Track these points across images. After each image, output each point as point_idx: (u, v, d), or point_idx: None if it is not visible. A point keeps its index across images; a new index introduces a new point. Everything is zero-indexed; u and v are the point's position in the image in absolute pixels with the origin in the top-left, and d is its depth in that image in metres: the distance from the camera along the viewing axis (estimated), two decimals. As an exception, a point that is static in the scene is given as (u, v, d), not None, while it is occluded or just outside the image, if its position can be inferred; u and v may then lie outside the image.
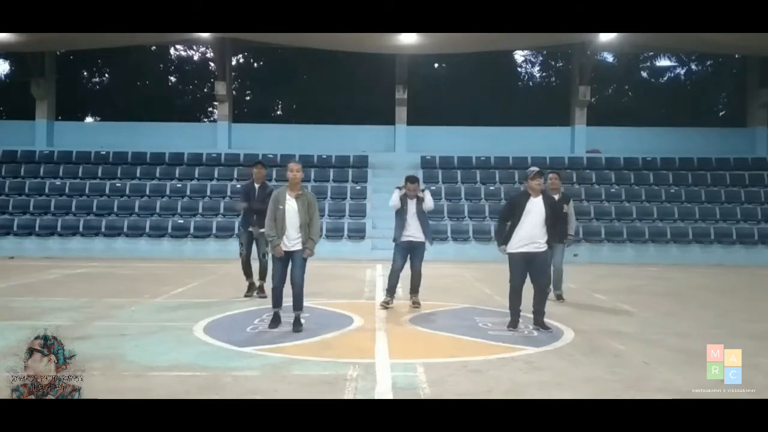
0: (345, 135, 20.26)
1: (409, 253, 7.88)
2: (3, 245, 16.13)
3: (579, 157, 19.67)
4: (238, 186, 9.19)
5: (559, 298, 8.56)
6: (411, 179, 7.94)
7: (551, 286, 8.05)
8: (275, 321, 6.29)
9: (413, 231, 7.78)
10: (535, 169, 6.49)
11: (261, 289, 8.46)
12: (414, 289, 7.99)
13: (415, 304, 7.90)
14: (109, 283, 10.54)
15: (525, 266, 6.37)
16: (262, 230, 8.37)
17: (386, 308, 7.68)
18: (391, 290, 7.92)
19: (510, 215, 6.43)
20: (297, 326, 6.14)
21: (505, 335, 6.21)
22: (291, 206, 6.08)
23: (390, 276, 7.96)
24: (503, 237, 6.47)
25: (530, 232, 6.29)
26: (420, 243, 7.84)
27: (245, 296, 8.44)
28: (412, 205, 7.81)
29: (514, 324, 6.40)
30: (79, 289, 9.51)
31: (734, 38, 15.69)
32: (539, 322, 6.48)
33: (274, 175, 18.59)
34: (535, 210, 6.31)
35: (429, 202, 7.82)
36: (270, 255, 6.31)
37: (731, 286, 11.69)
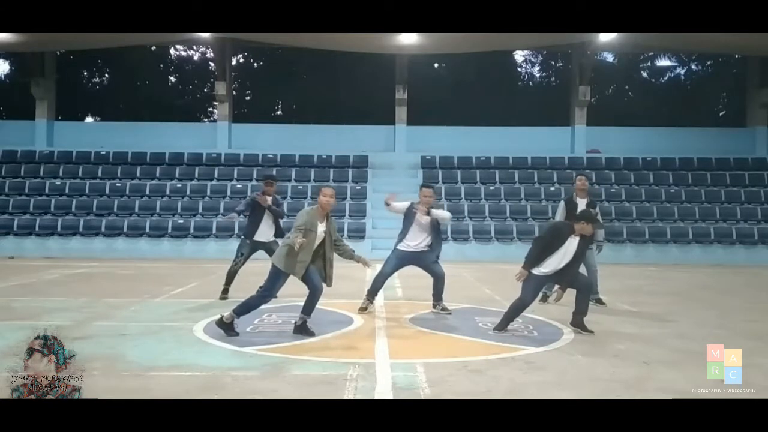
0: (345, 135, 20.28)
1: (414, 263, 7.47)
2: (3, 245, 16.14)
3: (579, 157, 19.68)
4: (246, 198, 8.80)
5: (599, 302, 8.14)
6: (425, 185, 7.59)
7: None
8: (234, 330, 5.95)
9: (414, 242, 7.33)
10: (597, 212, 6.47)
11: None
12: (437, 295, 7.49)
13: (444, 311, 7.39)
14: (109, 283, 10.54)
15: (543, 286, 6.40)
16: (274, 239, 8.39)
17: (362, 312, 7.33)
18: (371, 293, 7.50)
19: (552, 246, 6.21)
20: (310, 332, 6.01)
21: (505, 335, 6.20)
22: (320, 233, 5.88)
23: (375, 279, 7.57)
24: (536, 262, 6.22)
25: (558, 263, 6.21)
26: (422, 252, 7.35)
27: (221, 299, 8.23)
28: (420, 216, 7.26)
29: (501, 328, 6.36)
30: (79, 289, 9.51)
31: (734, 38, 15.70)
32: (578, 323, 6.33)
33: (274, 174, 18.65)
34: (570, 248, 6.20)
35: (441, 216, 7.34)
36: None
37: (731, 286, 11.70)
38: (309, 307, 6.05)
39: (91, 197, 17.83)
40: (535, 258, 6.21)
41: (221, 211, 17.18)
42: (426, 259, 7.41)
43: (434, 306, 7.52)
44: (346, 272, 11.82)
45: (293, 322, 6.13)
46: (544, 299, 8.25)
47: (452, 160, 19.43)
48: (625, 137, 20.45)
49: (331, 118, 22.02)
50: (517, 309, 6.35)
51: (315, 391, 4.23)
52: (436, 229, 7.39)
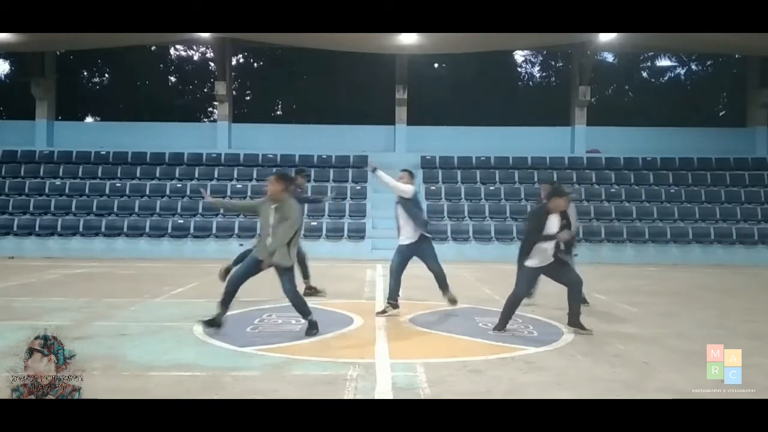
0: (345, 135, 20.27)
1: (416, 255, 7.45)
2: (3, 245, 16.14)
3: (579, 157, 19.67)
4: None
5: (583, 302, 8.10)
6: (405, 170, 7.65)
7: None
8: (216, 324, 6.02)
9: (404, 232, 7.35)
10: (566, 189, 6.54)
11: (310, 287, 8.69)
12: (442, 288, 7.52)
13: (451, 302, 7.48)
14: (109, 283, 10.54)
15: (536, 279, 6.45)
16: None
17: (380, 315, 7.24)
18: (391, 297, 7.36)
19: (537, 231, 6.22)
20: (313, 331, 6.02)
21: (505, 335, 6.21)
22: (269, 214, 5.96)
23: (389, 281, 7.57)
24: (541, 238, 6.19)
25: (548, 248, 6.21)
26: (418, 243, 7.32)
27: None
28: (399, 205, 7.40)
29: (501, 327, 6.37)
30: (79, 289, 9.51)
31: (734, 38, 15.69)
32: (575, 323, 6.31)
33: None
34: (552, 228, 6.22)
35: (385, 181, 7.26)
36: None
37: (731, 286, 11.69)
38: (298, 310, 6.09)
39: (91, 197, 17.83)
40: (528, 250, 6.21)
41: (221, 211, 17.18)
42: (423, 251, 7.39)
43: (444, 296, 7.53)
44: (346, 272, 11.83)
45: (293, 322, 6.14)
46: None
47: (452, 160, 19.43)
48: (625, 137, 20.45)
49: (331, 118, 22.01)
50: (512, 304, 6.37)
51: (315, 391, 4.23)
52: (407, 211, 7.31)
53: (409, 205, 7.34)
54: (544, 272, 6.45)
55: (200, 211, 17.44)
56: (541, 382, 4.54)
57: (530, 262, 6.26)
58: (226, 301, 5.98)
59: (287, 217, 5.87)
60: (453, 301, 7.52)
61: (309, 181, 8.19)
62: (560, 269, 6.34)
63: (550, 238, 6.15)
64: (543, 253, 6.23)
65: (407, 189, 7.33)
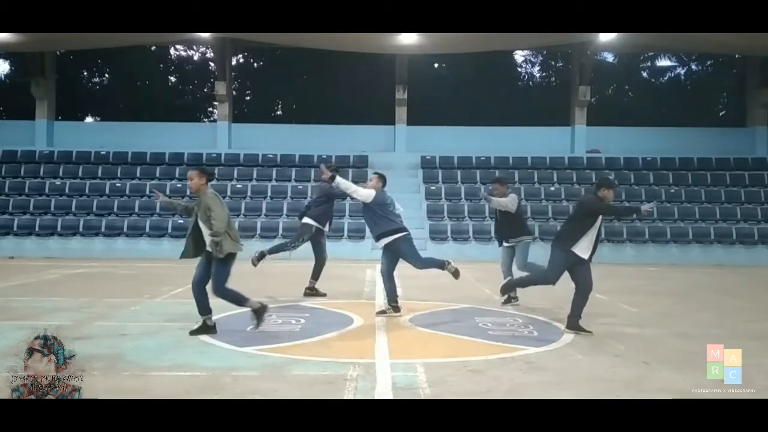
0: (345, 135, 20.24)
1: (399, 257, 7.27)
2: (3, 245, 16.13)
3: (579, 157, 19.67)
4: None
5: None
6: (379, 176, 7.47)
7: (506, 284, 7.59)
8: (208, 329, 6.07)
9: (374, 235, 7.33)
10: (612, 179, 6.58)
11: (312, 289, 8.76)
12: (441, 268, 7.28)
13: (454, 275, 7.20)
14: (109, 283, 10.54)
15: (565, 269, 6.38)
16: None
17: (380, 314, 7.19)
18: (390, 297, 7.29)
19: (614, 208, 6.32)
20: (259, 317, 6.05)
21: (505, 335, 6.21)
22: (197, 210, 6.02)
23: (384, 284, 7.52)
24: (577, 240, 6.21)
25: (591, 240, 6.24)
26: (392, 245, 7.12)
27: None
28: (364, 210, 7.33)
29: (505, 292, 6.45)
30: (79, 289, 9.51)
31: (734, 38, 15.69)
32: (574, 326, 6.29)
33: (274, 175, 18.66)
34: (597, 222, 6.29)
35: (343, 185, 7.15)
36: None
37: (731, 286, 11.69)
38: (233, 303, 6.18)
39: (91, 197, 17.82)
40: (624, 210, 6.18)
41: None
42: (401, 253, 7.20)
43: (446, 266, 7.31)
44: (346, 272, 11.82)
45: (293, 322, 6.15)
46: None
47: (452, 160, 19.42)
48: (625, 137, 20.44)
49: (331, 118, 22.01)
50: (535, 280, 6.44)
51: (315, 391, 4.23)
52: (369, 217, 7.22)
53: (370, 210, 7.15)
54: (569, 264, 6.38)
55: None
56: (541, 382, 4.54)
57: (579, 251, 6.23)
58: (203, 308, 6.02)
59: (210, 208, 5.82)
60: (456, 273, 7.20)
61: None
62: (582, 267, 6.33)
63: (634, 210, 6.18)
64: (588, 245, 6.24)
65: (365, 194, 7.09)
